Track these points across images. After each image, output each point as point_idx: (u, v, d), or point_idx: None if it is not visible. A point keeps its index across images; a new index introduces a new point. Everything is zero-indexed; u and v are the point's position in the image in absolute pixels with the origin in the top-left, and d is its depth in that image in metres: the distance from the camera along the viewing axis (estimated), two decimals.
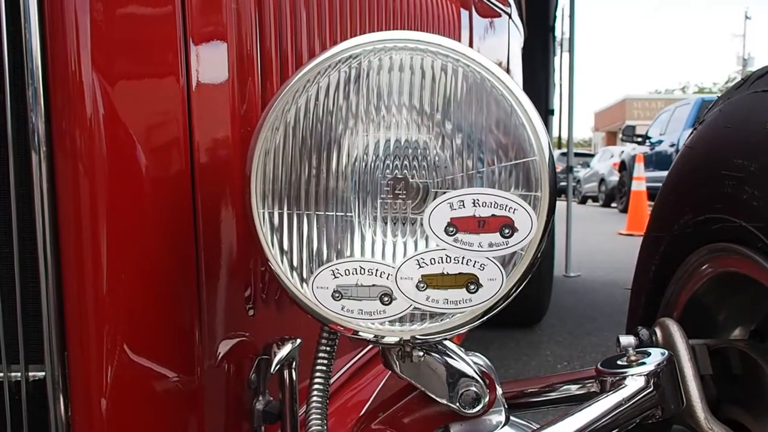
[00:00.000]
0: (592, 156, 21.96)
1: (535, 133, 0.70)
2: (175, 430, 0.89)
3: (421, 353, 0.74)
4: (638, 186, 9.29)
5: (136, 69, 0.80)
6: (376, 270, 0.70)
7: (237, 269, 0.99)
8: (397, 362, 0.78)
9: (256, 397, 1.01)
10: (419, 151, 0.70)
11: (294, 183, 0.71)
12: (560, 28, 6.30)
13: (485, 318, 0.72)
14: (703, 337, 0.89)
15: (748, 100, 0.77)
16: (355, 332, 0.72)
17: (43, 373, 0.72)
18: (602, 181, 17.59)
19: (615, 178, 15.84)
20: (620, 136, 14.51)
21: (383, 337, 0.72)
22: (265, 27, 1.04)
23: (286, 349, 0.99)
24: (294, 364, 0.99)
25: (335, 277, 0.71)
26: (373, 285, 0.71)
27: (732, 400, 0.85)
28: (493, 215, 0.69)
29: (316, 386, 0.80)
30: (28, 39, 0.71)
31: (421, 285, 0.70)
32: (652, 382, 0.77)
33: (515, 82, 0.71)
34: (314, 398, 0.79)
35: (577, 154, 16.83)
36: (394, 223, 0.71)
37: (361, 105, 0.71)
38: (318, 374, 0.80)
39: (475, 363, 0.79)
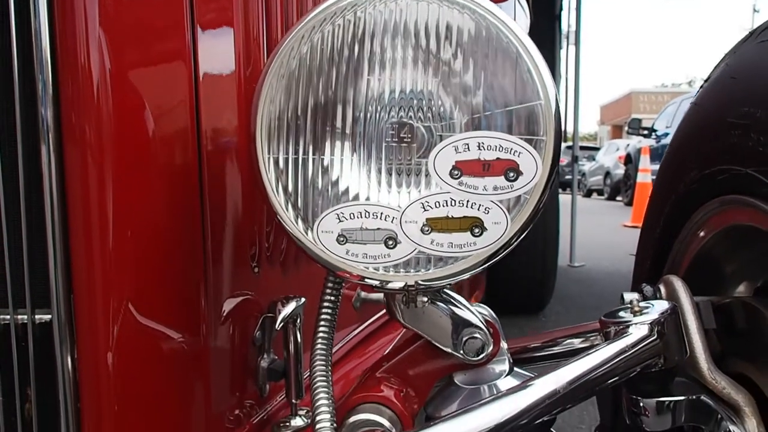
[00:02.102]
0: (597, 149, 21.90)
1: (541, 78, 0.70)
2: (180, 386, 0.89)
3: (425, 298, 0.74)
4: (644, 178, 9.28)
5: (144, 57, 0.81)
6: (381, 213, 0.71)
7: (242, 228, 1.00)
8: (402, 311, 0.78)
9: (261, 355, 1.02)
10: (425, 96, 0.70)
11: (299, 128, 0.71)
12: (566, 20, 6.28)
13: (489, 263, 0.72)
14: (707, 295, 0.89)
15: (755, 51, 0.77)
16: (362, 278, 0.72)
17: (49, 316, 0.73)
18: (607, 174, 17.54)
19: (620, 171, 15.80)
20: (626, 129, 14.46)
21: (388, 282, 0.72)
22: (271, 11, 1.05)
23: (291, 306, 0.99)
24: (298, 321, 1.00)
25: (340, 221, 0.71)
26: (378, 228, 0.71)
27: (736, 354, 0.85)
28: (497, 158, 0.69)
29: (320, 334, 0.80)
30: (38, 28, 0.71)
31: (426, 228, 0.70)
32: (655, 330, 0.77)
33: (521, 27, 0.71)
34: (319, 347, 0.79)
35: (582, 148, 16.78)
36: (399, 167, 0.71)
37: (365, 52, 0.71)
38: (322, 323, 0.80)
39: (480, 313, 0.79)
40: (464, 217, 0.70)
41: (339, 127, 0.71)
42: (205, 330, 0.91)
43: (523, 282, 3.82)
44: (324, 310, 0.80)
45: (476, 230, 0.70)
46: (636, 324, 0.77)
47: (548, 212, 4.13)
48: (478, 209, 0.70)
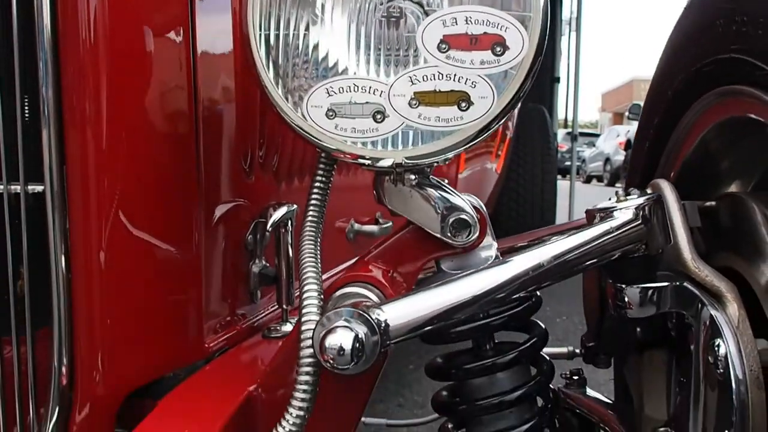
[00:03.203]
0: (597, 136, 21.88)
1: None
2: (172, 288, 0.90)
3: (413, 176, 0.75)
4: None
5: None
6: (370, 87, 0.72)
7: (236, 133, 1.01)
8: (390, 196, 0.79)
9: (253, 260, 1.03)
10: None
11: (290, 4, 0.72)
12: (569, 7, 6.28)
13: (476, 141, 0.73)
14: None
15: None
16: (353, 156, 0.73)
17: (42, 187, 0.74)
18: (607, 160, 17.54)
19: (620, 157, 15.79)
20: (627, 114, 14.46)
21: (378, 160, 0.73)
22: None
23: (282, 210, 1.01)
24: (290, 225, 1.01)
25: (329, 95, 0.72)
26: (367, 102, 0.72)
27: (723, 248, 0.86)
28: (485, 33, 0.70)
29: (310, 217, 0.81)
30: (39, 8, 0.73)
31: (414, 102, 0.71)
32: (640, 215, 0.78)
33: None
34: (308, 229, 0.80)
35: (582, 134, 16.77)
36: (388, 43, 0.72)
37: None
38: (312, 208, 0.81)
39: (467, 200, 0.80)
40: (451, 91, 0.71)
41: (329, 3, 0.72)
42: (197, 237, 0.92)
43: None
44: (314, 194, 0.81)
45: (463, 104, 0.71)
46: (620, 209, 0.78)
47: (546, 191, 4.15)
48: (465, 83, 0.71)
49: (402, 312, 0.68)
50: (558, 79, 6.12)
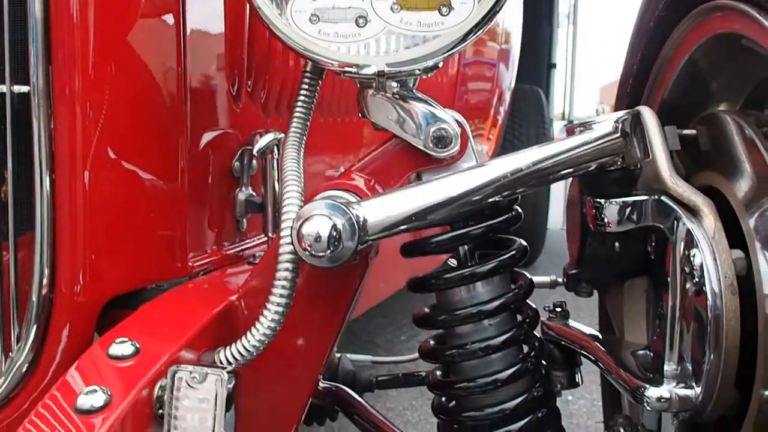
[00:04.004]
0: None
1: None
2: (156, 206, 0.91)
3: (395, 84, 0.76)
4: None
5: None
6: None
7: (224, 60, 1.01)
8: (373, 108, 0.80)
9: (239, 187, 1.04)
10: None
11: None
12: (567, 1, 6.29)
13: (457, 48, 0.73)
14: None
15: None
16: (338, 65, 0.74)
17: (28, 88, 0.74)
18: None
19: None
20: None
21: (361, 67, 0.74)
22: None
23: (269, 137, 1.01)
24: (276, 153, 1.02)
25: (313, 1, 0.73)
26: (349, 7, 0.73)
27: (701, 169, 0.87)
28: None
29: (294, 128, 0.81)
30: None
31: (395, 7, 0.72)
32: (619, 128, 0.79)
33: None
34: (290, 143, 0.81)
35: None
36: None
37: None
38: (296, 120, 0.82)
39: (450, 113, 0.80)
40: None
41: None
42: (183, 163, 0.93)
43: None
44: (298, 107, 0.82)
45: (444, 9, 0.72)
46: (600, 123, 0.79)
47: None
48: None
49: (380, 209, 0.69)
50: (554, 65, 6.15)
